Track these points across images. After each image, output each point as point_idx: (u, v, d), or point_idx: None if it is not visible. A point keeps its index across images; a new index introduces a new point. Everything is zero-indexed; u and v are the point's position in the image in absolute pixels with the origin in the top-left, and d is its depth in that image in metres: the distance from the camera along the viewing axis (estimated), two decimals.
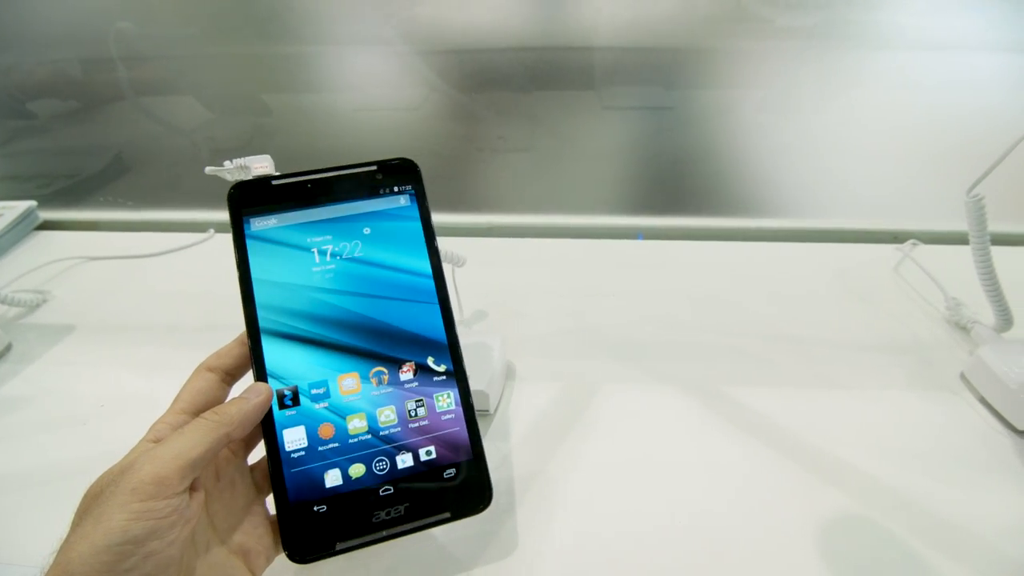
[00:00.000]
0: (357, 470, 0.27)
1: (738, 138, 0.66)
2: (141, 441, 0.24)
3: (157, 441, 0.24)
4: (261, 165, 0.30)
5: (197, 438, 0.23)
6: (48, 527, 0.32)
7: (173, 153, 0.73)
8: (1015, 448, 0.36)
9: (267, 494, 0.27)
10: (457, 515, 0.27)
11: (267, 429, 0.27)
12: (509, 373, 0.43)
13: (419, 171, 0.31)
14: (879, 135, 0.61)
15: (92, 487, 0.22)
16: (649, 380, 0.42)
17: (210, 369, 0.27)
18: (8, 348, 0.47)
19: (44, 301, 0.53)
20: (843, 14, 0.58)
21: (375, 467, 0.27)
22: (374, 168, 0.30)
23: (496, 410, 0.40)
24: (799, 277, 0.53)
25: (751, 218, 0.64)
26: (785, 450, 0.37)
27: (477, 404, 0.38)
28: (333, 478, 0.27)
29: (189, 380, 0.27)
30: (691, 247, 0.59)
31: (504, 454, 0.37)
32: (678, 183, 0.68)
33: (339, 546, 0.26)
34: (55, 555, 0.21)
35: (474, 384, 0.37)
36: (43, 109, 0.72)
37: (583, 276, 0.55)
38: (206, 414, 0.25)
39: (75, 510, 0.22)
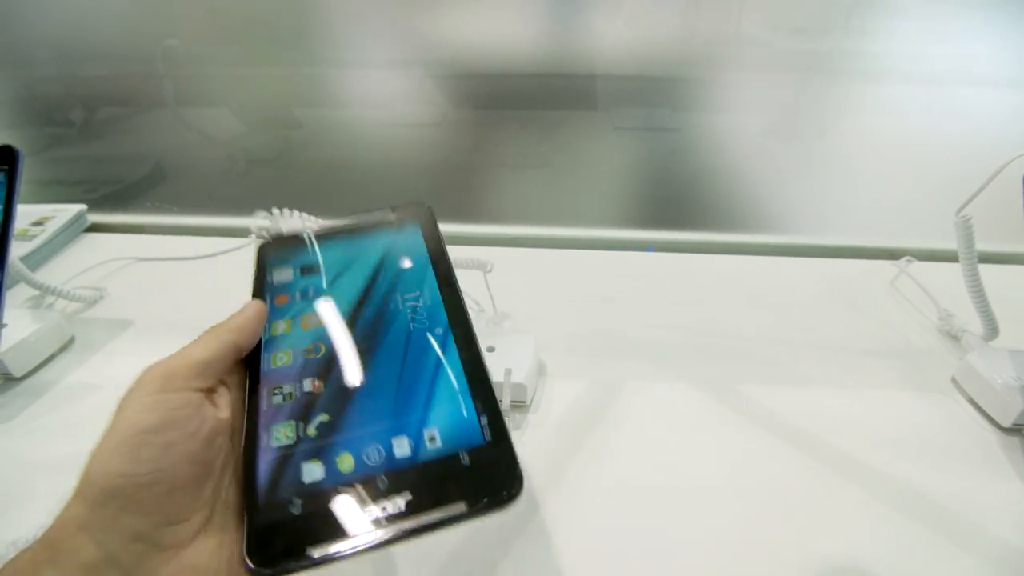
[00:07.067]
0: (345, 462, 0.22)
1: (743, 159, 0.70)
2: None
3: None
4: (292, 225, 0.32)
5: (203, 344, 0.24)
6: None
7: (210, 163, 0.77)
8: (1000, 443, 0.40)
9: None
10: (477, 510, 0.21)
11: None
12: (541, 369, 0.47)
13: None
14: (877, 159, 0.66)
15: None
16: (668, 378, 0.46)
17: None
18: (71, 340, 0.51)
19: (101, 298, 0.56)
20: (842, 44, 0.63)
21: (366, 457, 0.22)
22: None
23: (532, 401, 0.43)
24: (802, 289, 0.57)
25: (756, 234, 0.68)
26: (793, 442, 0.41)
27: (515, 396, 0.42)
28: (314, 471, 0.22)
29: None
30: (699, 260, 0.63)
31: (540, 442, 0.41)
32: (686, 200, 0.73)
33: (316, 556, 0.20)
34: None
35: (514, 378, 0.41)
36: (89, 117, 0.76)
37: (599, 284, 0.59)
38: (209, 328, 0.25)
39: None
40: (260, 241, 0.31)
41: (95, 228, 0.69)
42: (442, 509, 0.21)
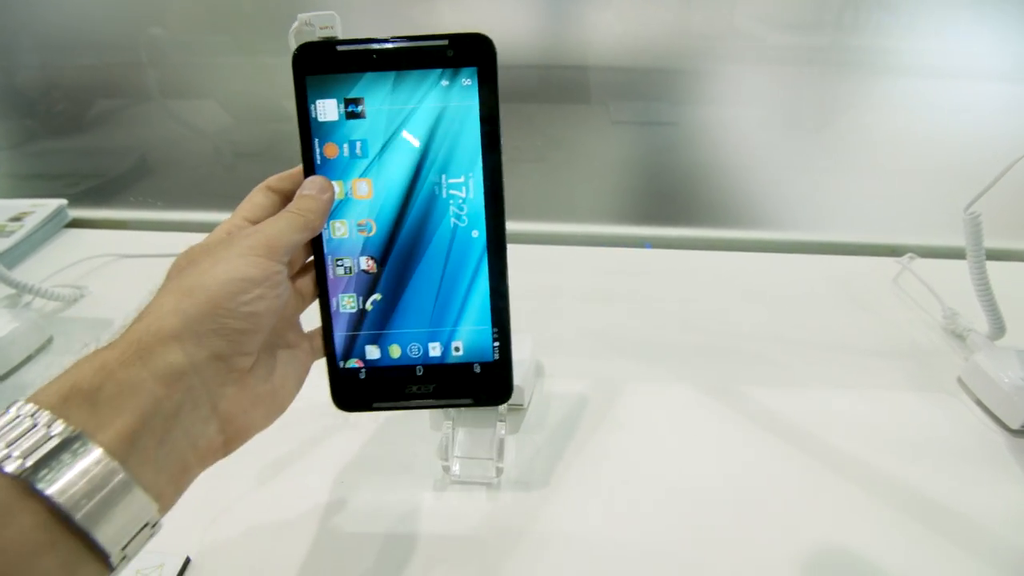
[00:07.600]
0: (394, 350, 0.30)
1: (743, 154, 0.69)
2: (217, 232, 0.26)
3: (229, 235, 0.26)
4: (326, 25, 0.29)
5: (294, 226, 0.26)
6: None
7: (196, 156, 0.75)
8: (1008, 445, 0.40)
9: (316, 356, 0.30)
10: (479, 403, 0.31)
11: (323, 291, 0.29)
12: (538, 370, 0.45)
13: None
14: (878, 154, 0.65)
15: (180, 259, 0.25)
16: (668, 378, 0.45)
17: (271, 188, 0.28)
18: (50, 341, 0.49)
19: (81, 296, 0.54)
20: (841, 39, 0.62)
21: (409, 350, 0.30)
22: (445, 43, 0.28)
23: (529, 404, 0.42)
24: (803, 286, 0.56)
25: (756, 230, 0.67)
26: (795, 443, 0.40)
27: (513, 399, 0.40)
28: (373, 352, 0.30)
29: (250, 196, 0.28)
30: (698, 256, 0.62)
31: (538, 445, 0.40)
32: (684, 195, 0.71)
33: (375, 405, 0.30)
34: (148, 305, 0.23)
35: None
36: (71, 109, 0.74)
37: (595, 282, 0.58)
38: (290, 207, 0.27)
39: (166, 276, 0.25)
40: (299, 44, 0.28)
41: (76, 224, 0.67)
42: (455, 399, 0.31)
